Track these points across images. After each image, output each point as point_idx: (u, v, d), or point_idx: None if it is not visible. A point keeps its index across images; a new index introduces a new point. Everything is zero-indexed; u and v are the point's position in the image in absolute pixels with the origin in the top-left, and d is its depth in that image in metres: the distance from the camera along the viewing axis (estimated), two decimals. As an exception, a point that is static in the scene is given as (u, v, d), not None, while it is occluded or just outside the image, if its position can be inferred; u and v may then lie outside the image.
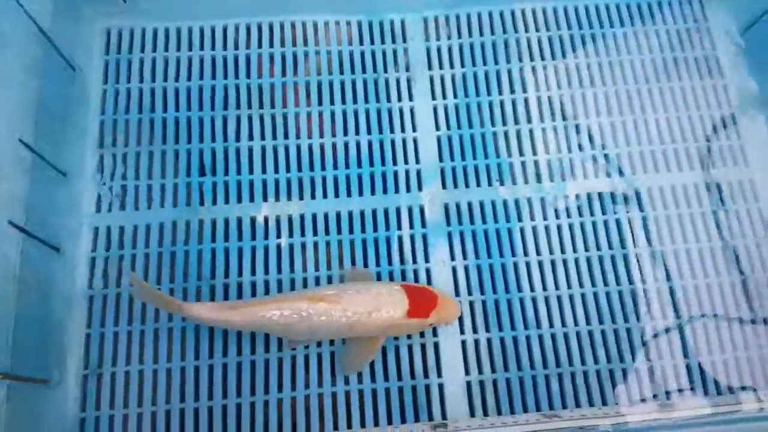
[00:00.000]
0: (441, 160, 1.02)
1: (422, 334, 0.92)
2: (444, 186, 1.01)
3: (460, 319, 0.93)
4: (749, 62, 1.06)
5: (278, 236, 0.97)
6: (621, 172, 1.01)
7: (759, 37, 1.04)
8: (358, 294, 0.84)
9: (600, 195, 1.00)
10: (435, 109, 1.05)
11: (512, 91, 1.05)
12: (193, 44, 1.07)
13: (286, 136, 1.02)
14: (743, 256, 0.97)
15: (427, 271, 0.96)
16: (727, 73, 1.07)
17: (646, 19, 1.09)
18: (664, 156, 1.02)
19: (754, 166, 1.02)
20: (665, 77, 1.06)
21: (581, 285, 0.95)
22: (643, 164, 1.01)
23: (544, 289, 0.95)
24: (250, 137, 1.02)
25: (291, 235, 0.97)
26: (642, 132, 1.03)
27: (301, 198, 0.99)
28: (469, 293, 0.95)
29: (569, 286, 0.95)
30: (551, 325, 0.93)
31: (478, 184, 1.01)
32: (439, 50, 1.08)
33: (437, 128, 1.04)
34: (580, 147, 1.02)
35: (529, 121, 1.04)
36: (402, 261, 0.96)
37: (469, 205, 1.00)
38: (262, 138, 1.02)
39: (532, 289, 0.95)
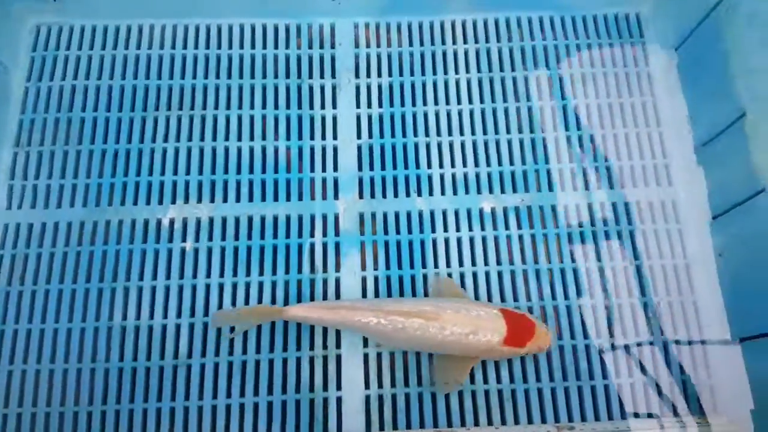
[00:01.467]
0: (360, 169, 1.01)
1: (325, 346, 0.91)
2: (361, 195, 0.99)
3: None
4: (681, 79, 1.05)
5: (184, 240, 0.96)
6: (539, 188, 0.99)
7: (690, 53, 1.02)
8: (457, 314, 0.83)
9: (516, 209, 0.98)
10: (358, 118, 1.03)
11: (436, 103, 1.04)
12: (118, 43, 1.06)
13: (202, 138, 1.01)
14: (659, 277, 0.95)
15: (337, 281, 0.95)
16: (658, 90, 1.05)
17: (580, 32, 1.08)
18: (584, 173, 1.00)
19: (678, 186, 1.00)
20: (593, 92, 1.05)
21: (490, 299, 0.94)
22: (561, 181, 1.00)
23: (453, 303, 0.93)
24: (166, 138, 1.01)
25: (197, 239, 0.96)
26: (563, 148, 1.02)
27: (212, 201, 0.98)
28: (377, 305, 0.93)
29: (477, 299, 0.94)
30: (458, 340, 0.92)
31: (396, 195, 0.99)
32: (368, 58, 1.07)
33: (359, 137, 1.02)
34: (499, 161, 1.01)
35: (450, 133, 1.03)
36: (312, 269, 0.95)
37: (385, 215, 0.98)
38: (177, 140, 1.01)
39: (440, 303, 0.93)
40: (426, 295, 0.93)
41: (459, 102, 1.04)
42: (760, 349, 0.85)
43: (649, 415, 0.88)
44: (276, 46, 1.07)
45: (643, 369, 0.90)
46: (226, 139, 1.01)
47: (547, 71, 1.06)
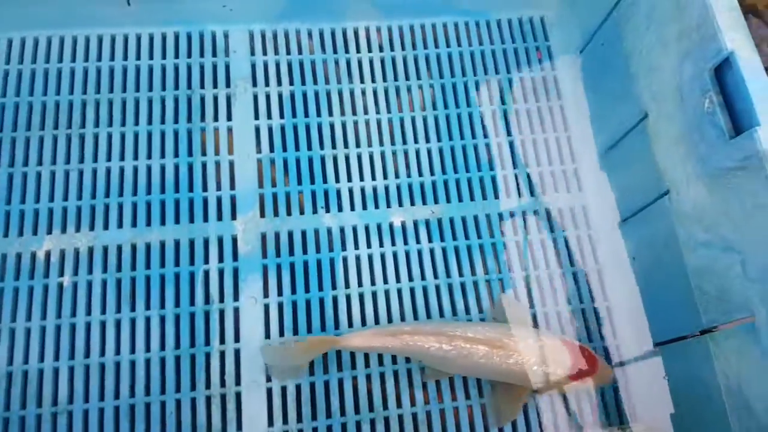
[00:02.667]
0: (261, 185, 0.93)
1: (223, 384, 0.83)
2: (262, 214, 0.92)
3: (267, 367, 0.84)
4: (585, 82, 1.03)
5: (61, 274, 0.85)
6: (448, 199, 0.95)
7: (594, 56, 1.01)
8: (523, 342, 0.81)
9: (427, 222, 0.94)
10: (257, 130, 0.96)
11: (342, 113, 0.98)
12: None
13: (81, 160, 0.91)
14: (570, 282, 0.93)
15: (236, 311, 0.87)
16: (565, 94, 1.03)
17: (484, 38, 1.05)
18: (493, 182, 0.97)
19: (587, 191, 0.98)
20: (500, 98, 1.02)
21: (403, 318, 0.88)
22: (471, 191, 0.96)
23: (363, 323, 0.88)
24: (39, 161, 0.90)
25: (76, 272, 0.86)
26: (471, 157, 0.98)
27: (92, 229, 0.88)
28: (281, 333, 0.86)
29: (389, 321, 0.88)
30: (367, 365, 0.86)
31: (302, 212, 0.93)
32: (265, 66, 1.00)
33: (258, 150, 0.95)
34: (408, 173, 0.96)
35: (358, 144, 0.97)
36: (207, 300, 0.87)
37: (290, 234, 0.91)
38: (53, 162, 0.91)
39: (350, 324, 0.87)
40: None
41: (365, 112, 0.99)
42: (677, 353, 0.84)
43: (571, 427, 0.85)
44: (163, 56, 0.98)
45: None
46: (108, 159, 0.92)
47: (452, 79, 1.02)
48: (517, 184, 0.97)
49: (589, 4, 1.00)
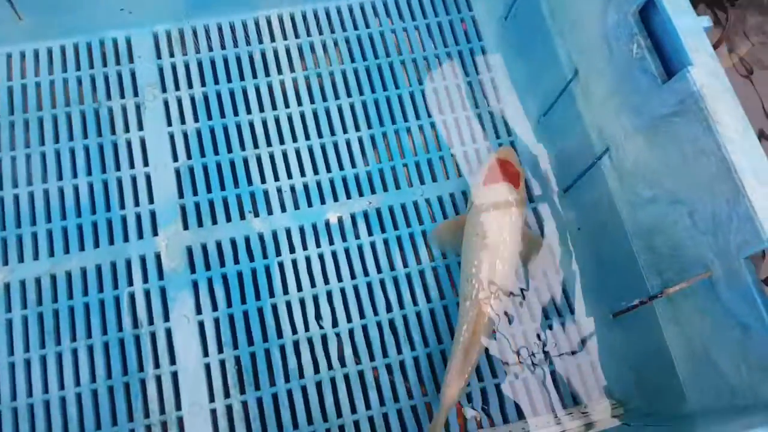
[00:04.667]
0: (181, 196, 0.88)
1: (163, 410, 0.78)
2: (186, 226, 0.86)
3: (209, 383, 0.79)
4: (513, 50, 0.99)
5: (-25, 314, 0.79)
6: (385, 188, 0.91)
7: (519, 21, 0.96)
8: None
9: (365, 214, 0.89)
10: (172, 137, 0.90)
11: (261, 109, 0.93)
12: None
13: (-17, 190, 0.85)
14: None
15: (168, 332, 0.81)
16: (494, 65, 0.99)
17: (405, 15, 1.00)
18: (429, 164, 0.93)
19: (525, 164, 0.94)
20: (428, 76, 0.97)
21: (349, 319, 0.84)
22: (408, 176, 0.92)
23: (307, 329, 0.83)
24: (-64, 196, 0.84)
25: (-8, 310, 0.80)
26: (405, 141, 0.93)
27: (6, 263, 0.82)
28: (220, 350, 0.82)
29: (335, 324, 0.84)
30: (317, 371, 0.81)
31: (228, 219, 0.87)
32: (174, 69, 0.93)
33: (175, 159, 0.89)
34: (340, 165, 0.91)
35: (282, 141, 0.92)
36: (135, 324, 0.81)
37: (218, 244, 0.86)
38: (-48, 195, 0.84)
39: (294, 332, 0.83)
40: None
41: (287, 105, 0.93)
42: (636, 321, 0.80)
43: (542, 411, 0.82)
44: (64, 69, 0.91)
45: (523, 363, 0.84)
46: (14, 185, 0.85)
47: (376, 60, 0.97)
48: (455, 165, 0.93)
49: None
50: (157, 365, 0.80)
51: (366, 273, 0.87)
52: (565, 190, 0.90)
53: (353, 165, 0.91)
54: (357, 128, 0.93)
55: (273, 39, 0.96)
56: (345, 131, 0.93)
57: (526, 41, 0.95)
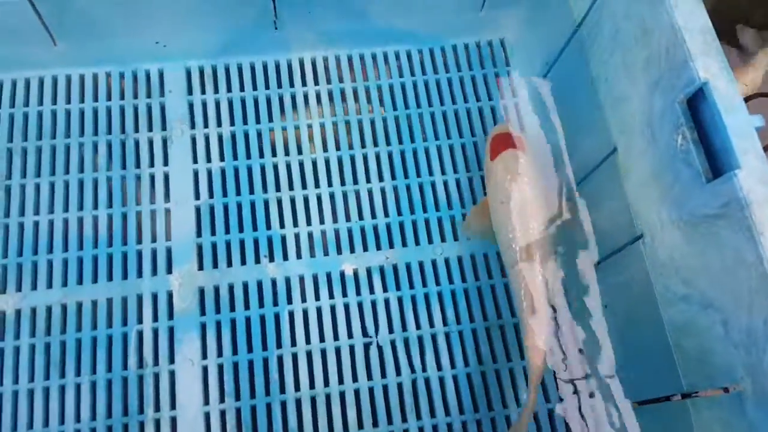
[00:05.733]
0: (199, 235, 0.87)
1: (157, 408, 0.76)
2: (201, 266, 0.86)
3: (206, 433, 0.78)
4: (551, 110, 0.96)
5: (-16, 340, 0.79)
6: (404, 242, 0.89)
7: (559, 81, 0.94)
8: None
9: (381, 269, 0.87)
10: (196, 174, 0.90)
11: (287, 153, 0.92)
12: None
13: (7, 214, 0.85)
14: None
15: (171, 374, 0.80)
16: (529, 124, 0.96)
17: (438, 66, 0.98)
18: (452, 223, 0.90)
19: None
20: (457, 131, 0.95)
21: (355, 379, 0.82)
22: (429, 232, 0.89)
23: (312, 387, 0.81)
24: (-41, 217, 0.84)
25: (3, 337, 0.80)
26: (428, 196, 0.91)
27: (19, 289, 0.82)
28: (222, 400, 0.80)
29: (341, 382, 0.82)
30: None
31: (243, 262, 0.86)
32: (204, 105, 0.93)
33: (197, 197, 0.89)
34: (359, 215, 0.90)
35: (305, 186, 0.90)
36: (140, 364, 0.80)
37: (231, 287, 0.85)
38: (-25, 217, 0.85)
39: (297, 389, 0.81)
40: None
41: (312, 150, 0.92)
42: (656, 414, 0.76)
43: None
44: (95, 98, 0.92)
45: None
46: (36, 212, 0.86)
47: (406, 111, 0.95)
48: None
49: (551, 23, 0.92)
50: (157, 408, 0.79)
51: (377, 331, 0.84)
52: (597, 263, 0.86)
53: (373, 216, 0.90)
54: (381, 178, 0.92)
55: (304, 83, 0.96)
56: (368, 181, 0.91)
57: (565, 104, 0.93)
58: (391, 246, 0.88)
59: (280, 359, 0.82)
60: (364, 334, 0.84)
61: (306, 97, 0.95)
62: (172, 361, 0.81)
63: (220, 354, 0.82)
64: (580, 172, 0.89)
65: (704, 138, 0.61)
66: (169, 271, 0.85)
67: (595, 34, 0.82)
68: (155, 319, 0.82)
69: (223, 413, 0.79)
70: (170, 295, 0.84)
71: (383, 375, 0.82)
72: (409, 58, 0.99)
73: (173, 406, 0.79)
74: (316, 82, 0.96)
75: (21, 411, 0.78)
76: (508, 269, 0.81)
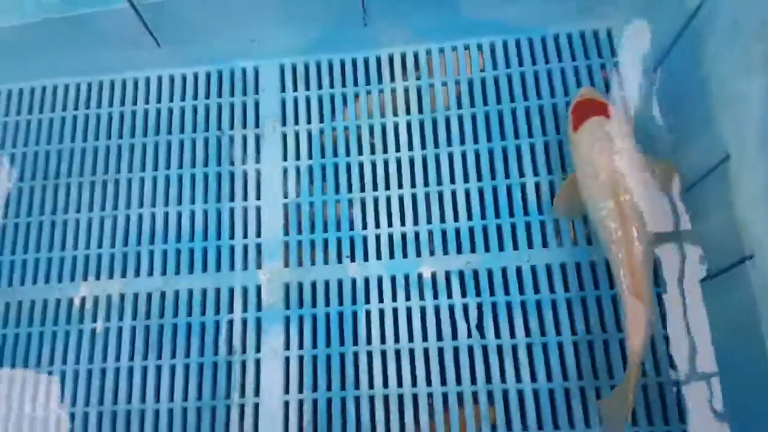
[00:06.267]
0: (287, 233, 0.89)
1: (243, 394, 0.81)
2: (287, 263, 0.88)
3: (285, 422, 0.81)
4: (661, 107, 0.87)
5: (95, 320, 0.88)
6: (487, 248, 0.85)
7: (670, 75, 0.85)
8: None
9: (461, 274, 0.85)
10: (285, 172, 0.92)
11: (372, 151, 0.92)
12: (10, 108, 1.00)
13: (115, 207, 0.93)
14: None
15: (257, 363, 0.84)
16: (635, 120, 0.88)
17: (538, 57, 0.92)
18: (542, 228, 0.85)
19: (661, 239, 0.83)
20: (554, 128, 0.89)
21: (429, 383, 0.81)
22: (514, 238, 0.85)
23: (385, 386, 0.81)
24: (78, 209, 0.93)
25: (109, 318, 0.88)
26: (516, 198, 0.87)
27: (124, 276, 0.89)
28: (300, 390, 0.83)
29: (414, 384, 0.81)
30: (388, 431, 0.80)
31: (326, 261, 0.88)
32: (295, 102, 0.95)
33: (285, 195, 0.91)
34: (441, 217, 0.87)
35: (388, 186, 0.90)
36: (230, 350, 0.85)
37: (313, 284, 0.87)
38: (90, 209, 0.93)
39: (371, 386, 0.82)
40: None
41: (398, 149, 0.91)
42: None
43: None
44: (195, 97, 0.97)
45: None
46: (140, 205, 0.92)
47: (497, 106, 0.91)
48: (572, 231, 0.85)
49: (662, 12, 0.84)
50: (242, 395, 0.83)
51: (454, 336, 0.83)
52: (701, 280, 0.78)
53: (456, 218, 0.87)
54: (466, 179, 0.88)
55: (393, 78, 0.94)
56: (452, 181, 0.89)
57: (675, 102, 0.84)
58: (473, 251, 0.85)
59: (355, 356, 0.83)
60: (439, 338, 0.82)
61: (394, 92, 0.93)
62: (258, 350, 0.85)
63: (301, 347, 0.84)
64: (688, 179, 0.80)
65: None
66: (259, 266, 0.88)
67: (711, 26, 0.73)
68: (245, 310, 0.87)
69: (301, 402, 0.82)
70: (259, 289, 0.87)
71: (458, 382, 0.81)
72: (505, 49, 0.94)
73: (257, 393, 0.83)
74: (405, 78, 0.94)
75: (121, 387, 0.85)
76: (606, 250, 0.75)
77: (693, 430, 0.75)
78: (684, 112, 0.82)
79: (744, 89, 0.67)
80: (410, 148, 0.91)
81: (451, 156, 0.90)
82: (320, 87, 0.95)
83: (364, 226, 0.88)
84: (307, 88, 0.95)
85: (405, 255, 0.86)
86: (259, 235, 0.90)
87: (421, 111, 0.92)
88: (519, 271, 0.84)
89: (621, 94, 0.90)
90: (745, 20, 0.67)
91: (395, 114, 0.93)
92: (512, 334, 0.82)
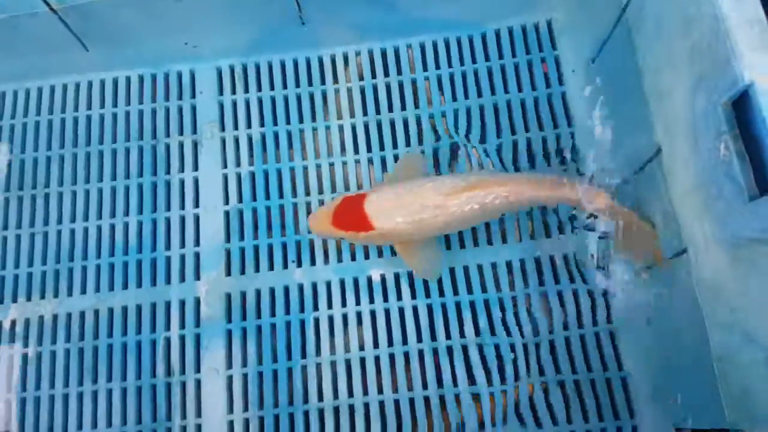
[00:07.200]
0: (228, 240, 0.86)
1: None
2: (228, 272, 0.85)
3: (230, 442, 0.77)
4: (600, 101, 0.87)
5: (26, 344, 0.82)
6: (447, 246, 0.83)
7: (606, 69, 0.84)
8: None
9: (410, 275, 0.83)
10: (225, 179, 0.89)
11: (317, 155, 0.89)
12: None
13: (46, 222, 0.88)
14: (577, 347, 0.79)
15: (197, 383, 0.80)
16: (577, 116, 0.88)
17: (478, 53, 0.91)
18: (486, 227, 0.84)
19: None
20: (494, 126, 0.88)
21: (380, 391, 0.79)
22: (460, 237, 0.84)
23: (336, 397, 0.79)
24: (5, 226, 0.88)
25: (41, 342, 0.83)
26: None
27: (56, 295, 0.84)
28: (246, 408, 0.79)
29: (366, 393, 0.79)
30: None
31: (271, 267, 0.85)
32: (234, 106, 0.92)
33: (226, 201, 0.88)
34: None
35: (334, 188, 0.87)
36: (168, 371, 0.81)
37: (258, 293, 0.84)
38: (19, 226, 0.88)
39: (320, 399, 0.79)
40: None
41: (343, 152, 0.89)
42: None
43: None
44: (128, 102, 0.92)
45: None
46: (72, 219, 0.88)
47: (441, 107, 0.89)
48: (518, 227, 0.84)
49: (598, 3, 0.83)
50: (184, 416, 0.79)
51: (405, 341, 0.80)
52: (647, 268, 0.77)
53: (404, 220, 0.85)
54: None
55: (336, 79, 0.92)
56: (400, 182, 0.86)
57: (612, 92, 0.83)
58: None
59: (304, 369, 0.80)
60: (390, 343, 0.80)
61: (337, 94, 0.91)
62: (198, 370, 0.81)
63: (245, 363, 0.81)
64: (625, 171, 0.80)
65: (749, 149, 0.51)
66: (197, 277, 0.84)
67: (641, 19, 0.73)
68: (182, 326, 0.83)
69: (246, 422, 0.78)
70: (197, 302, 0.83)
71: (410, 388, 0.78)
72: (447, 47, 0.92)
73: (199, 414, 0.79)
74: (348, 79, 0.92)
75: (56, 415, 0.80)
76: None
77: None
78: (619, 106, 0.82)
79: (672, 85, 0.67)
80: (356, 151, 0.88)
81: (396, 158, 0.88)
82: (260, 89, 0.92)
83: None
84: (246, 90, 0.92)
85: (353, 257, 0.84)
86: (198, 243, 0.86)
87: (365, 113, 0.90)
88: (466, 270, 0.82)
89: (560, 88, 0.89)
90: (670, 16, 0.66)
91: (339, 117, 0.90)
92: (462, 334, 0.80)
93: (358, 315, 0.82)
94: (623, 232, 0.75)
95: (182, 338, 0.82)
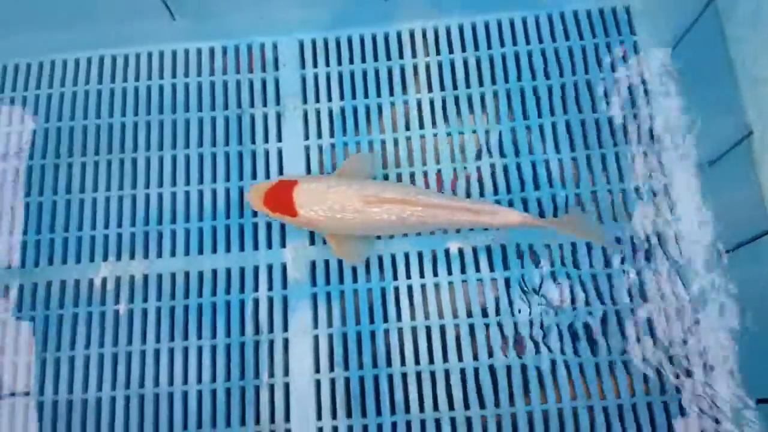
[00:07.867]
0: (311, 210, 0.89)
1: (273, 420, 0.81)
2: (312, 241, 0.88)
3: (318, 401, 0.81)
4: (680, 85, 0.89)
5: (117, 302, 0.86)
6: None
7: (689, 54, 0.86)
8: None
9: (488, 249, 0.85)
10: (307, 150, 0.91)
11: (394, 129, 0.91)
12: (29, 83, 0.96)
13: (134, 186, 0.91)
14: (658, 323, 0.82)
15: (285, 342, 0.84)
16: (655, 98, 0.89)
17: (558, 34, 0.93)
18: (566, 203, 0.87)
19: (682, 214, 0.85)
20: (575, 106, 0.90)
21: (460, 358, 0.82)
22: (541, 213, 0.86)
23: (417, 363, 0.82)
24: (95, 188, 0.91)
25: (132, 300, 0.86)
26: (541, 174, 0.88)
27: (146, 257, 0.88)
28: (331, 369, 0.83)
29: (446, 359, 0.82)
30: (421, 410, 0.80)
31: (352, 237, 0.87)
32: (315, 79, 0.94)
33: (308, 172, 0.90)
34: (467, 193, 0.88)
35: (411, 163, 0.90)
36: (257, 330, 0.84)
37: (340, 262, 0.87)
38: (107, 188, 0.91)
39: (402, 363, 0.82)
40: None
41: (421, 125, 0.91)
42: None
43: None
44: (211, 72, 0.95)
45: None
46: (159, 185, 0.91)
47: (518, 83, 0.91)
48: (596, 206, 0.86)
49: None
50: (271, 374, 0.83)
51: (484, 313, 0.83)
52: (727, 251, 0.80)
53: (481, 194, 0.88)
54: (490, 155, 0.89)
55: (414, 54, 0.94)
56: (478, 158, 0.89)
57: (696, 77, 0.85)
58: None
59: (386, 333, 0.83)
60: (469, 314, 0.83)
61: (415, 69, 0.93)
62: (285, 329, 0.84)
63: (330, 325, 0.84)
64: (711, 154, 0.82)
65: None
66: (283, 244, 0.87)
67: (733, 8, 0.74)
68: (270, 288, 0.86)
69: (333, 381, 0.82)
70: (284, 267, 0.86)
71: (490, 354, 0.82)
72: (524, 25, 0.94)
73: (286, 373, 0.83)
74: (426, 53, 0.93)
75: (148, 370, 0.84)
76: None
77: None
78: (703, 91, 0.83)
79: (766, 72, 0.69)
80: (434, 124, 0.91)
81: (474, 133, 0.90)
82: (339, 63, 0.94)
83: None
84: (327, 64, 0.94)
85: (432, 231, 0.87)
86: (283, 213, 0.89)
87: (442, 88, 0.92)
88: (548, 246, 0.85)
89: (638, 71, 0.91)
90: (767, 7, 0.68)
91: (417, 91, 0.92)
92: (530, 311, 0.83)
93: (436, 286, 0.85)
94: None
95: (270, 300, 0.85)
